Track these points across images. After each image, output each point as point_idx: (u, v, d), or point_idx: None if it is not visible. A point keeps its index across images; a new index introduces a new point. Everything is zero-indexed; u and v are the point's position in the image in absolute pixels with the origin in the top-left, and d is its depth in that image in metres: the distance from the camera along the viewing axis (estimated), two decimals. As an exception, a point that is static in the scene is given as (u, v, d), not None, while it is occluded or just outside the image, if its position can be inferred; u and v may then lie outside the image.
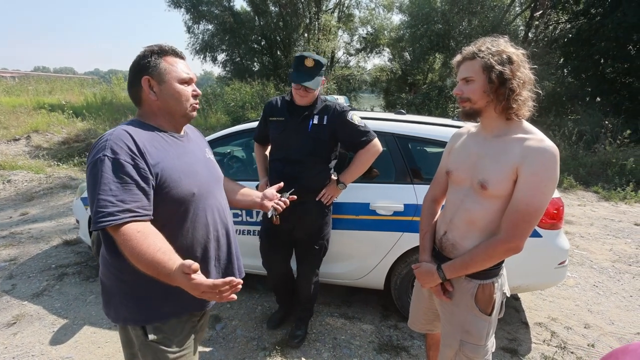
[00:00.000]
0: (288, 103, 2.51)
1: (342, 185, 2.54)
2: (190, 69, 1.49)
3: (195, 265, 1.06)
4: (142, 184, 1.25)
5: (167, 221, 1.36)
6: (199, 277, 1.07)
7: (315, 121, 2.43)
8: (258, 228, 3.08)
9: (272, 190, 1.90)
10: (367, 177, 2.65)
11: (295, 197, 1.97)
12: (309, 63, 2.32)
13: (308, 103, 2.45)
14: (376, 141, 2.47)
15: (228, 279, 1.10)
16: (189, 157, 1.47)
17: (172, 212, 1.37)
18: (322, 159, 2.53)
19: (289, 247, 2.76)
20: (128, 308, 1.40)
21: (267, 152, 2.76)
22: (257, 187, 2.71)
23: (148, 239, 1.17)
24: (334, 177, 2.59)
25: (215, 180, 1.61)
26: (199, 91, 1.51)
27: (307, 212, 2.54)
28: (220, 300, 1.16)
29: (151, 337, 1.40)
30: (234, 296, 1.17)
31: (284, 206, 1.86)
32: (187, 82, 1.45)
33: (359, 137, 2.44)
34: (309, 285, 2.74)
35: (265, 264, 2.81)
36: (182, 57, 1.48)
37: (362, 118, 2.58)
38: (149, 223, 1.24)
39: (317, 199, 2.54)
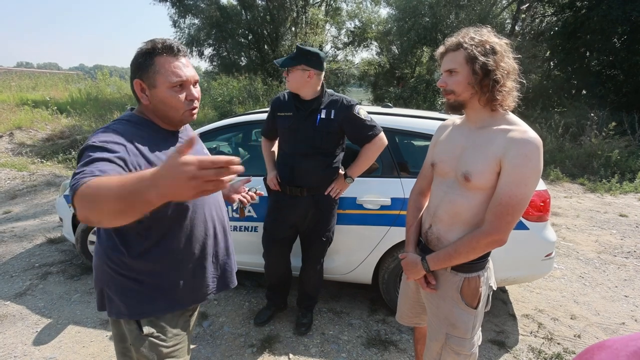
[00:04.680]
0: (295, 97, 2.53)
1: (349, 179, 2.59)
2: (189, 66, 1.36)
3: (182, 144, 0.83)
4: (119, 170, 1.15)
5: (165, 219, 1.35)
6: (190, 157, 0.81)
7: (323, 115, 2.46)
8: (250, 224, 3.06)
9: (239, 183, 1.87)
10: (367, 171, 2.66)
11: (262, 193, 1.97)
12: (294, 50, 2.43)
13: (292, 88, 2.48)
14: (382, 135, 2.52)
15: (225, 158, 0.81)
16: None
17: (171, 210, 1.35)
18: (330, 153, 2.55)
19: (292, 241, 2.81)
20: (123, 302, 1.38)
21: (274, 148, 2.79)
22: (264, 180, 2.73)
23: (109, 177, 0.97)
24: (341, 171, 2.62)
25: None
26: (195, 94, 1.38)
27: (315, 206, 2.60)
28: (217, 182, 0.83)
29: (146, 330, 1.39)
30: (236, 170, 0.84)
31: (251, 200, 1.85)
32: (181, 85, 1.33)
33: (365, 131, 2.49)
34: (315, 274, 2.80)
35: (265, 256, 2.82)
36: (177, 55, 1.34)
37: None
38: None
39: (325, 193, 2.58)
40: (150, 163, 1.28)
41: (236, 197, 1.82)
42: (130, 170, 1.19)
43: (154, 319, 1.41)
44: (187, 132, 1.53)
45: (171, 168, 0.81)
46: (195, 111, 1.41)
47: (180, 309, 1.48)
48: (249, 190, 1.88)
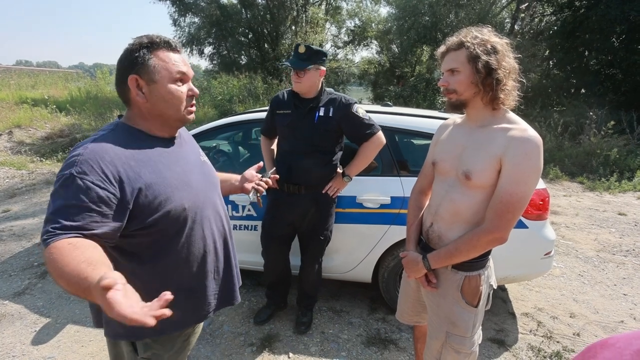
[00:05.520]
0: (294, 96, 2.54)
1: (347, 178, 2.59)
2: (187, 63, 1.30)
3: (109, 281, 0.81)
4: (106, 211, 1.09)
5: (158, 237, 1.25)
6: (116, 296, 0.81)
7: (322, 113, 2.46)
8: (249, 222, 3.06)
9: (251, 172, 1.76)
10: (366, 169, 2.65)
11: (277, 176, 1.90)
12: (300, 49, 2.39)
13: (304, 90, 2.47)
14: (380, 134, 2.52)
15: (147, 308, 0.84)
16: (182, 165, 1.33)
17: (165, 229, 1.24)
18: (328, 151, 2.55)
19: (290, 239, 2.80)
20: (120, 322, 1.27)
21: (273, 147, 2.80)
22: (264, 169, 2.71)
23: (77, 250, 0.97)
24: (339, 170, 2.62)
25: (212, 186, 1.48)
26: (196, 90, 1.31)
27: (313, 204, 2.59)
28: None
29: (141, 354, 1.34)
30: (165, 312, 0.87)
31: (266, 187, 1.75)
32: (181, 80, 1.26)
33: (363, 130, 2.49)
34: (313, 273, 2.80)
35: (264, 254, 2.82)
36: (176, 50, 1.27)
37: None
38: (88, 240, 1.04)
39: (323, 192, 2.58)
40: (145, 184, 1.18)
41: (249, 186, 1.71)
42: (115, 204, 1.11)
43: (150, 341, 1.34)
44: (182, 138, 1.42)
45: (100, 299, 0.83)
46: (194, 109, 1.34)
47: (178, 330, 1.39)
48: (262, 177, 1.77)
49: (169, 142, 1.34)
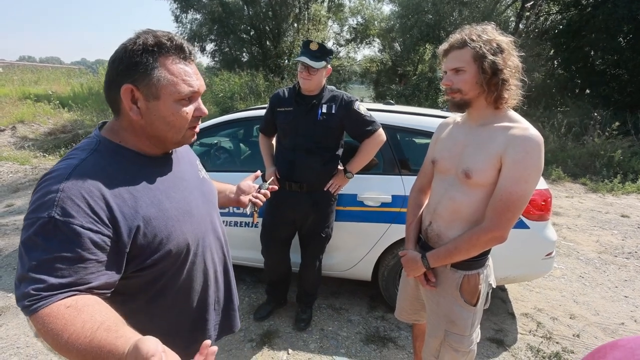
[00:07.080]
0: (296, 93, 2.54)
1: (349, 175, 2.59)
2: (199, 74, 1.06)
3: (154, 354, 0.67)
4: (102, 258, 0.89)
5: (157, 276, 1.07)
6: None
7: (324, 110, 2.47)
8: (250, 219, 3.07)
9: (247, 182, 1.56)
10: (367, 167, 2.66)
11: (276, 187, 1.79)
12: (313, 47, 2.39)
13: (312, 88, 2.47)
14: (381, 131, 2.54)
15: None
16: (181, 190, 1.13)
17: (164, 267, 1.07)
18: (330, 148, 2.56)
19: (291, 237, 2.81)
20: None
21: (273, 142, 2.80)
22: (262, 176, 2.67)
23: (83, 314, 0.79)
24: (340, 167, 2.63)
25: (212, 206, 1.30)
26: (205, 110, 1.08)
27: (315, 202, 2.60)
28: None
29: None
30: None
31: (264, 199, 1.58)
32: (190, 98, 1.03)
33: (364, 127, 2.50)
34: (313, 271, 2.80)
35: (264, 253, 2.83)
36: (190, 59, 1.03)
37: None
38: (87, 295, 0.85)
39: (325, 189, 2.58)
40: (143, 221, 0.98)
41: (245, 199, 1.53)
42: (110, 247, 0.91)
43: None
44: (178, 152, 1.22)
45: None
46: (197, 130, 1.12)
47: None
48: (259, 189, 1.59)
49: (164, 160, 1.13)
